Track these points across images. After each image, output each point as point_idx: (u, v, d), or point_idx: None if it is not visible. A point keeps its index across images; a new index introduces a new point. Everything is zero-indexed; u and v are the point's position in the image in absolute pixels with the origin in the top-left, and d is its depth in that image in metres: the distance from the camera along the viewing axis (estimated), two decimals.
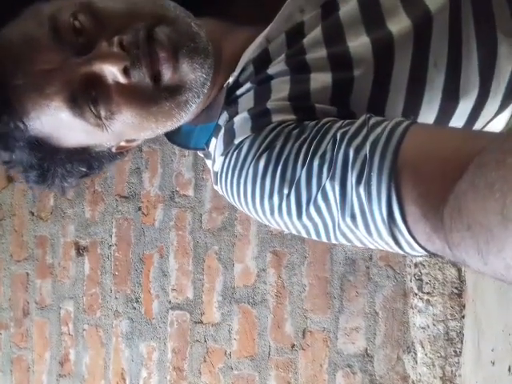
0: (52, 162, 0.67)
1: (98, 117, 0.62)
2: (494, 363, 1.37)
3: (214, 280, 1.92)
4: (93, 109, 0.61)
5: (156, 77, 0.61)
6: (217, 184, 0.67)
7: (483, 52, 0.63)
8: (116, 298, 2.02)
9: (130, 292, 2.01)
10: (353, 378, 1.78)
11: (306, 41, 0.65)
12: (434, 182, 0.46)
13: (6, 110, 0.61)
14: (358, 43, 0.63)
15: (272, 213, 0.60)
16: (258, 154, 0.60)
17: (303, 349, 1.82)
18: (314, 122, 0.59)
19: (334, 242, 0.59)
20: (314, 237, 0.60)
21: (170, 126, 0.67)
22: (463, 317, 1.68)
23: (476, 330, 1.55)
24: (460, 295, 1.69)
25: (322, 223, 0.57)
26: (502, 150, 0.37)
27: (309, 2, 0.67)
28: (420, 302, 1.73)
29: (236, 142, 0.62)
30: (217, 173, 0.66)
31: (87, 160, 0.71)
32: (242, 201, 0.62)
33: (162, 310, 1.97)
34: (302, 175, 0.56)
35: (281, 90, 0.63)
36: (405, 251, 0.53)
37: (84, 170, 0.71)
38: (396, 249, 0.54)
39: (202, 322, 1.93)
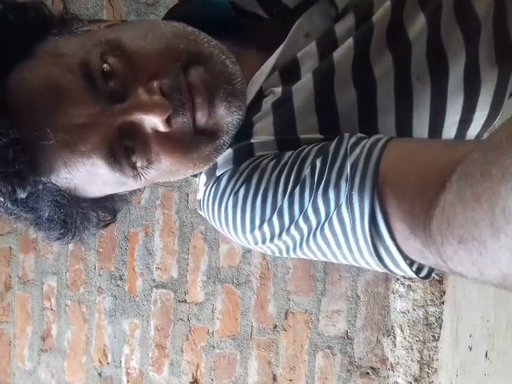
0: (75, 213, 0.61)
1: (134, 168, 0.57)
2: (471, 348, 1.40)
3: (199, 260, 1.92)
4: (129, 160, 0.56)
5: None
6: (201, 210, 0.68)
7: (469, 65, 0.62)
8: (100, 274, 2.02)
9: (114, 269, 2.00)
10: (332, 359, 1.81)
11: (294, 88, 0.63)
12: (416, 198, 0.46)
13: (32, 171, 0.53)
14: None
15: (255, 241, 0.60)
16: (236, 186, 0.60)
17: (285, 329, 1.85)
18: (290, 152, 0.59)
19: (312, 258, 0.60)
20: (291, 253, 0.60)
21: (205, 168, 0.64)
22: (443, 303, 1.72)
23: (455, 316, 1.58)
24: (441, 281, 1.73)
25: (300, 239, 0.57)
26: (485, 161, 0.36)
27: (314, 27, 0.66)
28: (401, 287, 1.75)
29: (217, 173, 0.62)
30: (200, 201, 0.67)
31: (111, 207, 0.66)
32: (225, 228, 0.63)
33: (145, 288, 1.97)
34: (284, 203, 0.56)
35: (264, 126, 0.62)
36: (388, 269, 0.53)
37: (109, 218, 0.67)
38: (377, 267, 0.54)
39: (185, 301, 1.94)
